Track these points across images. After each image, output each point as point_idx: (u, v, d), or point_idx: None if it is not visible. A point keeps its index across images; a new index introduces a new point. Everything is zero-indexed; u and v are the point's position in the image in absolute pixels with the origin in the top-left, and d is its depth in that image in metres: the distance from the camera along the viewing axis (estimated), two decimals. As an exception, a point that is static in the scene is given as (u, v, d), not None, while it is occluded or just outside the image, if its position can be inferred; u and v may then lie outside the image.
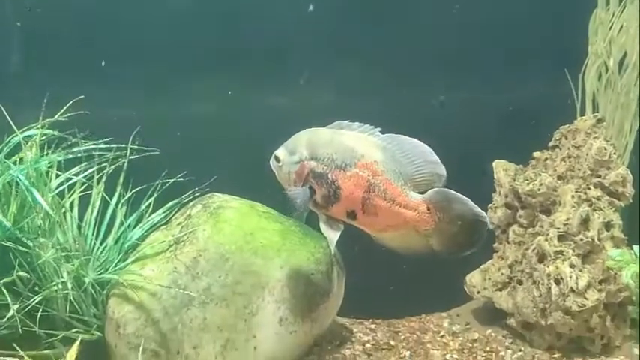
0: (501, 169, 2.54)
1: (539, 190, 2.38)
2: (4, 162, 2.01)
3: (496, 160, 2.58)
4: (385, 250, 2.10)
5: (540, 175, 2.41)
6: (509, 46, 2.68)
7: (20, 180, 1.96)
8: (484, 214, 1.93)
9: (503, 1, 2.69)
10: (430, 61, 2.70)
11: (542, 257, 2.31)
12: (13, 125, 2.09)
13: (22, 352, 1.81)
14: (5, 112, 2.09)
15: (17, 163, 2.04)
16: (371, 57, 2.67)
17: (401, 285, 2.73)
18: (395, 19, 2.70)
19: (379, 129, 2.05)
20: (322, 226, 2.15)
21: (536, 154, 2.56)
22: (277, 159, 2.14)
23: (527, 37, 2.67)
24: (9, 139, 2.11)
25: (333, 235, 2.12)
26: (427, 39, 2.66)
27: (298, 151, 2.09)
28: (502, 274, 2.50)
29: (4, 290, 2.02)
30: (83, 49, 2.55)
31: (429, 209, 1.95)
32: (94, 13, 2.59)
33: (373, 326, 2.69)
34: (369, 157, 2.00)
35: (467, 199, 1.94)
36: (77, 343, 1.79)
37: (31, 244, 1.98)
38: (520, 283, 2.40)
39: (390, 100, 2.66)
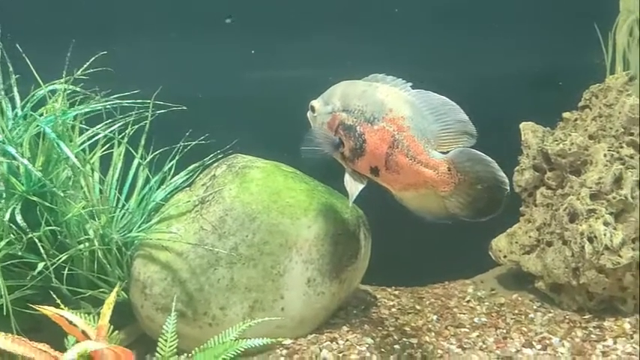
0: (529, 131, 2.50)
1: (569, 149, 2.35)
2: (31, 114, 1.96)
3: (523, 122, 2.55)
4: (406, 213, 2.07)
5: (570, 135, 2.38)
6: (535, 5, 2.64)
7: (48, 132, 1.90)
8: (506, 180, 1.85)
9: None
10: (454, 24, 2.67)
11: (573, 217, 2.28)
12: (38, 78, 2.04)
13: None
14: (31, 66, 2.04)
15: (43, 115, 1.98)
16: (398, 20, 2.63)
17: (422, 253, 2.68)
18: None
19: (410, 84, 2.01)
20: (346, 179, 2.13)
21: (565, 115, 2.53)
22: (313, 109, 2.12)
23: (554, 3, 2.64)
24: (33, 92, 2.05)
25: (354, 189, 2.10)
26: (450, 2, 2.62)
27: (332, 101, 2.07)
28: (530, 237, 2.47)
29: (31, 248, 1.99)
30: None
31: (449, 170, 1.89)
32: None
33: (397, 292, 2.66)
34: (396, 111, 1.96)
35: (492, 161, 1.86)
36: (110, 299, 1.74)
37: (61, 194, 1.92)
38: (550, 244, 2.37)
39: (417, 66, 2.62)
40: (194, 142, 2.39)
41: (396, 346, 2.19)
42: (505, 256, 2.54)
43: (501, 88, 2.67)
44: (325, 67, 2.55)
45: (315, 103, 2.15)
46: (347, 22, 2.62)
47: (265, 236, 2.20)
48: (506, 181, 1.84)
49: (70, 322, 1.66)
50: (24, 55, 2.05)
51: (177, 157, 2.38)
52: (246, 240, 2.19)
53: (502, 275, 2.69)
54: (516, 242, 2.51)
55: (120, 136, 2.30)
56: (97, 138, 2.23)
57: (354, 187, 2.09)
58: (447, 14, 2.66)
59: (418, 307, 2.49)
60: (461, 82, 2.65)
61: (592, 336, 2.20)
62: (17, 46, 2.05)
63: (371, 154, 2.00)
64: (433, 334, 2.28)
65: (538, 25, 2.69)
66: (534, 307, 2.44)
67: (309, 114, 2.18)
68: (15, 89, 2.08)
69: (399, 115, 1.94)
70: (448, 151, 1.90)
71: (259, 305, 2.19)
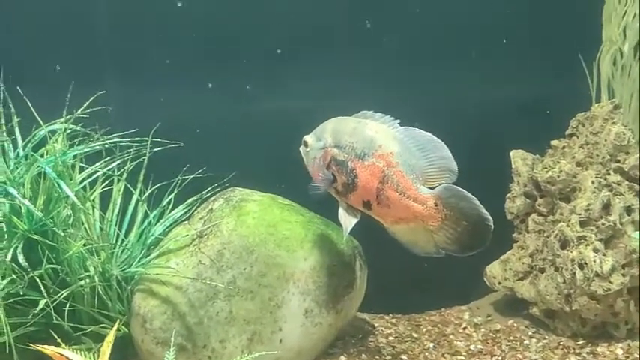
0: (519, 159, 2.56)
1: (558, 177, 2.40)
2: (32, 155, 2.02)
3: (513, 150, 2.61)
4: (397, 245, 2.13)
5: (559, 162, 2.44)
6: (521, 35, 2.72)
7: (48, 172, 1.96)
8: (489, 217, 1.94)
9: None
10: (444, 54, 2.74)
11: (564, 243, 2.33)
12: (39, 119, 2.10)
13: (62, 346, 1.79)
14: (32, 107, 2.11)
15: (44, 155, 2.04)
16: (389, 51, 2.70)
17: (418, 280, 2.73)
18: (413, 15, 2.74)
19: (398, 121, 2.09)
20: (340, 214, 2.20)
21: (553, 143, 2.59)
22: (305, 144, 2.20)
23: (540, 26, 2.72)
24: (34, 132, 2.11)
25: (348, 223, 2.17)
26: (441, 33, 2.70)
27: (324, 137, 2.14)
28: (523, 263, 2.52)
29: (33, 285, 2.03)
30: (104, 45, 2.57)
31: (436, 205, 1.98)
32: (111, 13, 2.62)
33: (394, 320, 2.69)
34: (386, 148, 2.04)
35: (475, 199, 1.96)
36: (110, 337, 1.78)
37: (61, 234, 1.98)
38: (542, 271, 2.41)
39: (408, 94, 2.68)
40: (192, 177, 2.45)
41: (394, 375, 2.23)
42: (499, 283, 2.58)
43: (491, 116, 2.75)
44: (318, 101, 2.63)
45: (308, 138, 2.22)
46: (338, 57, 2.69)
47: (263, 268, 2.24)
48: (489, 218, 1.94)
49: (71, 360, 1.69)
50: (24, 97, 2.12)
51: (175, 192, 2.43)
52: (244, 273, 2.23)
53: (498, 301, 2.73)
54: (510, 268, 2.55)
55: (119, 173, 2.35)
56: (96, 175, 2.28)
57: (348, 220, 2.16)
58: (437, 44, 2.74)
59: (415, 335, 2.53)
60: (452, 111, 2.75)
61: (586, 362, 2.23)
62: (18, 88, 2.12)
63: (363, 189, 2.06)
64: (430, 362, 2.32)
65: (526, 55, 2.77)
66: (529, 332, 2.47)
67: (301, 149, 2.25)
68: (17, 130, 2.14)
69: (388, 152, 2.02)
70: (434, 187, 1.98)
71: (258, 337, 2.22)
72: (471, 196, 1.95)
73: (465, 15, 2.70)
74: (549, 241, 2.37)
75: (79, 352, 1.75)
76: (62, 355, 1.67)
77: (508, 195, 2.61)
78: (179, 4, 2.61)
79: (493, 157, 2.68)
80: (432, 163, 1.99)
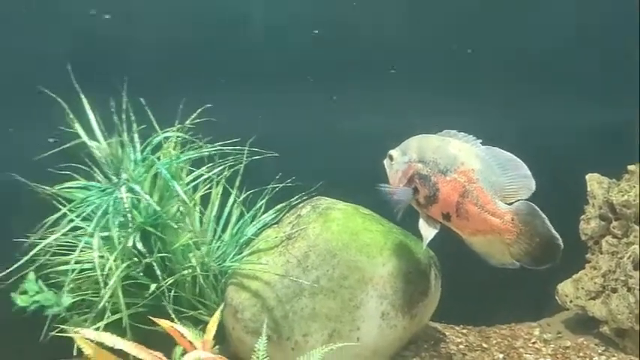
0: (595, 182, 2.65)
1: (634, 201, 2.48)
2: (151, 157, 2.31)
3: (589, 174, 2.70)
4: (472, 259, 2.27)
5: (635, 186, 2.51)
6: (603, 66, 2.82)
7: (164, 173, 2.25)
8: (558, 237, 2.08)
9: (607, 28, 2.86)
10: (530, 80, 2.88)
11: (637, 265, 2.39)
12: (156, 126, 2.40)
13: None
14: (151, 115, 2.42)
15: (160, 158, 2.33)
16: (469, 76, 2.87)
17: (490, 295, 2.84)
18: (489, 41, 2.89)
19: (480, 140, 2.25)
20: (420, 224, 2.36)
21: (630, 167, 2.66)
22: (391, 157, 2.38)
23: (616, 53, 2.81)
24: (151, 138, 2.41)
25: (428, 233, 2.33)
26: (524, 59, 2.84)
27: (409, 153, 2.32)
28: (595, 283, 2.59)
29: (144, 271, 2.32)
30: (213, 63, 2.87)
31: (513, 219, 2.12)
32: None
33: (464, 331, 2.81)
34: (467, 165, 2.19)
35: (547, 220, 2.09)
36: (216, 316, 2.01)
37: (174, 226, 2.25)
38: (614, 291, 2.48)
39: (489, 117, 2.83)
40: (282, 185, 2.69)
41: (463, 380, 2.35)
42: (571, 301, 2.65)
43: (570, 140, 2.86)
44: (402, 118, 2.82)
45: (394, 152, 2.40)
46: (428, 79, 2.88)
47: (344, 271, 2.42)
48: (559, 238, 2.07)
49: (182, 335, 1.94)
50: (146, 107, 2.43)
51: (267, 197, 2.67)
52: (327, 274, 2.42)
53: (568, 319, 2.79)
54: (582, 288, 2.63)
55: (218, 178, 2.62)
56: (200, 179, 2.55)
57: (427, 231, 2.32)
58: (518, 67, 2.88)
59: (485, 346, 2.64)
60: (532, 134, 2.87)
61: (654, 380, 2.28)
62: (141, 99, 2.44)
63: (443, 202, 2.23)
64: (499, 371, 2.43)
65: (606, 80, 2.87)
66: (599, 350, 2.54)
67: (386, 162, 2.43)
68: (136, 137, 2.45)
69: (470, 168, 2.18)
70: (512, 203, 2.12)
71: (337, 334, 2.39)
72: (544, 216, 2.09)
73: (546, 41, 2.83)
74: (622, 263, 2.44)
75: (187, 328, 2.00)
76: (175, 329, 1.92)
77: (582, 217, 2.69)
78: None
79: (570, 180, 2.78)
80: (511, 180, 2.13)
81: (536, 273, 2.28)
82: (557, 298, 2.72)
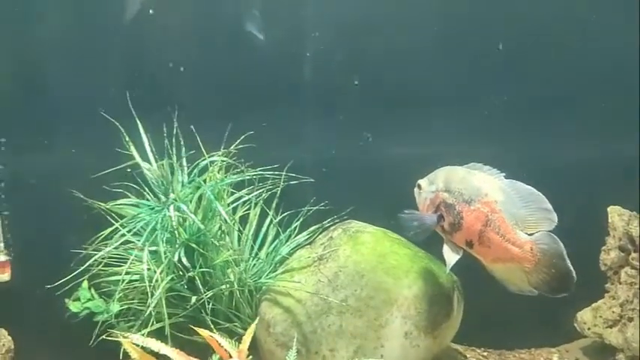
0: (616, 214, 2.76)
1: (652, 234, 2.59)
2: (198, 180, 2.53)
3: (611, 206, 2.81)
4: (494, 284, 2.40)
5: (654, 220, 2.62)
6: (626, 103, 2.95)
7: (209, 195, 2.46)
8: (572, 270, 2.21)
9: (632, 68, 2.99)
10: (552, 114, 3.03)
11: (653, 296, 2.50)
12: (203, 150, 2.63)
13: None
14: (199, 140, 2.65)
15: (206, 181, 2.55)
16: (498, 110, 3.03)
17: (511, 320, 2.96)
18: (515, 70, 3.05)
19: (504, 174, 2.40)
20: (445, 249, 2.50)
21: (650, 202, 2.77)
22: (419, 186, 2.55)
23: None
24: (197, 162, 2.64)
25: (452, 259, 2.47)
26: (549, 93, 3.00)
27: (436, 182, 2.48)
28: (613, 312, 2.68)
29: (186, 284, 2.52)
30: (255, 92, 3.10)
31: (532, 249, 2.25)
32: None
33: (485, 354, 2.93)
34: (491, 196, 2.34)
35: (564, 252, 2.22)
36: (251, 328, 2.19)
37: (216, 244, 2.46)
38: (631, 320, 2.58)
39: (516, 150, 2.98)
40: (315, 208, 2.87)
41: (481, 400, 2.47)
42: (589, 329, 2.75)
43: (596, 175, 2.98)
44: (430, 149, 2.99)
45: (422, 182, 2.56)
46: (455, 115, 3.05)
47: (371, 292, 2.57)
48: (572, 270, 2.20)
49: (219, 344, 2.12)
50: (195, 133, 2.66)
51: (301, 219, 2.85)
52: (355, 294, 2.57)
53: (586, 347, 2.88)
54: (600, 316, 2.73)
55: (257, 200, 2.82)
56: (240, 201, 2.75)
57: (451, 256, 2.47)
58: (540, 102, 3.03)
59: (504, 368, 2.76)
60: (556, 167, 3.01)
61: (667, 408, 2.36)
62: (192, 127, 2.67)
63: (467, 230, 2.37)
64: (517, 393, 2.54)
65: (629, 116, 2.99)
66: (614, 378, 2.63)
67: (415, 190, 2.59)
68: (184, 160, 2.67)
69: (493, 200, 2.32)
70: (532, 234, 2.26)
71: (362, 351, 2.53)
72: (561, 249, 2.23)
73: (567, 76, 2.99)
74: (639, 293, 2.54)
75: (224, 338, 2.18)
76: (213, 338, 2.11)
77: (603, 247, 2.80)
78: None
79: (592, 212, 2.89)
80: (532, 213, 2.27)
81: (557, 300, 2.40)
82: (576, 325, 2.81)
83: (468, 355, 2.86)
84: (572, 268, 2.20)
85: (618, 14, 3.00)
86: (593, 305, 2.78)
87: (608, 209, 2.79)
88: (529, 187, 2.30)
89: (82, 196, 2.64)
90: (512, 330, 2.99)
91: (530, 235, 2.28)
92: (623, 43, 2.98)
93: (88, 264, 2.45)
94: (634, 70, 2.96)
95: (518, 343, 3.01)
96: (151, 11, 2.91)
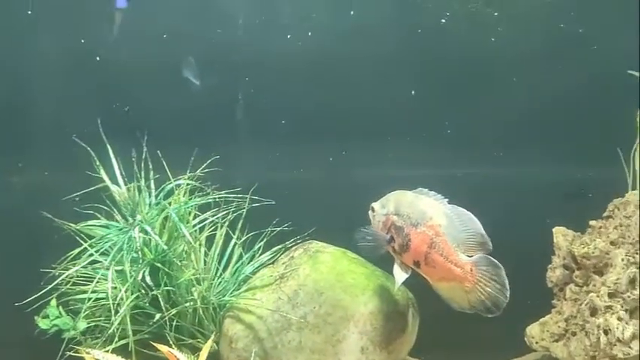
0: (560, 235, 2.91)
1: (593, 253, 2.73)
2: (163, 202, 2.66)
3: (556, 227, 2.96)
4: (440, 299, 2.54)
5: (595, 240, 2.76)
6: (571, 132, 3.14)
7: (173, 216, 2.59)
8: (507, 289, 2.36)
9: (571, 96, 3.17)
10: (508, 140, 3.21)
11: (594, 311, 2.63)
12: (169, 174, 2.77)
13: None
14: (165, 165, 2.79)
15: (171, 203, 2.68)
16: (433, 134, 3.21)
17: (466, 335, 3.07)
18: (462, 98, 3.23)
19: (447, 199, 2.55)
20: (395, 268, 2.64)
21: (592, 223, 2.91)
22: (373, 209, 2.69)
23: (589, 123, 3.13)
24: (164, 185, 2.77)
25: (401, 277, 2.61)
26: (496, 119, 3.17)
27: (387, 206, 2.63)
28: (559, 327, 2.82)
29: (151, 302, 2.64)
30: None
31: (472, 270, 2.40)
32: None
33: (440, 367, 3.06)
34: (435, 220, 2.49)
35: (502, 272, 2.37)
36: (208, 343, 2.31)
37: (178, 263, 2.58)
38: (574, 334, 2.71)
39: (464, 172, 3.16)
40: (279, 229, 2.99)
41: (432, 411, 2.59)
42: (537, 342, 2.88)
43: (541, 197, 3.15)
44: (388, 172, 3.15)
45: (375, 205, 2.71)
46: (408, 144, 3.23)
47: (329, 309, 2.68)
48: (508, 289, 2.34)
49: (177, 358, 2.23)
50: (162, 158, 2.80)
51: (264, 240, 2.98)
52: (314, 311, 2.69)
53: (536, 360, 3.03)
54: (547, 331, 2.86)
55: (222, 221, 2.95)
56: (206, 222, 2.88)
57: (400, 275, 2.61)
58: (496, 131, 3.21)
59: (457, 382, 2.88)
60: (509, 188, 3.18)
61: (604, 417, 2.49)
62: (158, 152, 2.81)
63: (414, 251, 2.52)
64: (466, 404, 2.66)
65: (578, 145, 3.17)
66: (560, 389, 2.76)
67: (369, 213, 2.74)
68: (152, 183, 2.80)
69: (437, 223, 2.47)
70: (471, 256, 2.42)
71: (320, 366, 2.68)
72: (498, 271, 2.38)
73: (514, 103, 3.16)
74: (581, 309, 2.68)
75: (183, 354, 2.30)
76: (172, 353, 2.22)
77: (549, 266, 2.95)
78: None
79: (542, 233, 3.05)
80: (470, 236, 2.43)
81: (509, 315, 2.55)
82: (525, 339, 2.95)
83: (423, 369, 2.99)
84: (507, 287, 2.35)
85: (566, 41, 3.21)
86: (541, 320, 2.92)
87: (554, 230, 2.94)
88: (468, 212, 2.46)
89: (51, 217, 2.76)
90: (467, 344, 3.12)
91: (469, 257, 2.44)
92: (569, 65, 3.18)
93: (56, 282, 2.57)
94: (584, 92, 3.16)
95: (472, 357, 3.14)
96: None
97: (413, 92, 3.18)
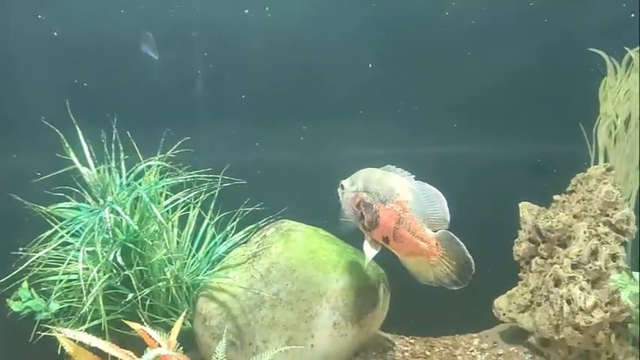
0: (526, 209, 2.99)
1: (557, 226, 2.81)
2: (133, 183, 2.67)
3: (522, 202, 3.04)
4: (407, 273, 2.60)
5: (558, 214, 2.85)
6: (536, 107, 3.19)
7: (144, 197, 2.60)
8: (472, 262, 2.42)
9: (533, 72, 3.23)
10: (473, 117, 3.25)
11: (557, 282, 2.72)
12: (140, 156, 2.77)
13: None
14: (135, 145, 2.79)
15: (141, 184, 2.69)
16: (407, 112, 3.25)
17: (438, 309, 3.13)
18: (425, 74, 3.26)
19: (414, 176, 2.60)
20: (365, 245, 2.70)
21: (555, 197, 3.00)
22: (342, 187, 2.74)
23: (551, 100, 3.19)
24: (135, 167, 2.78)
25: (370, 253, 2.67)
26: (464, 97, 3.22)
27: (357, 183, 2.67)
28: (525, 298, 2.91)
29: (124, 282, 2.66)
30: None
31: (437, 244, 2.46)
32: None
33: (412, 341, 3.12)
34: (402, 196, 2.55)
35: (463, 245, 2.44)
36: (179, 320, 2.35)
37: (150, 243, 2.60)
38: (539, 305, 2.80)
39: (431, 150, 3.21)
40: (251, 209, 3.02)
41: (403, 382, 2.67)
42: (504, 314, 2.97)
43: (508, 173, 3.21)
44: (353, 152, 3.19)
45: (345, 182, 2.75)
46: (371, 122, 3.27)
47: (302, 286, 2.73)
48: (472, 262, 2.39)
49: (150, 337, 2.26)
50: (132, 139, 2.80)
51: (237, 220, 3.00)
52: (287, 288, 2.73)
53: (505, 331, 3.10)
54: (514, 302, 2.95)
55: (195, 202, 2.96)
56: (177, 202, 2.90)
57: (370, 251, 2.66)
58: (461, 109, 3.26)
59: (428, 354, 2.95)
60: (476, 165, 3.24)
61: (566, 383, 2.60)
62: (128, 133, 2.81)
63: (383, 227, 2.57)
64: (436, 375, 2.75)
65: (540, 122, 3.23)
66: (526, 358, 2.85)
67: (339, 190, 2.78)
68: (122, 164, 2.81)
69: (404, 199, 2.52)
70: (436, 231, 2.48)
71: (293, 341, 2.68)
72: (461, 242, 2.45)
73: (484, 82, 3.21)
74: (546, 280, 2.77)
75: (155, 331, 2.33)
76: (144, 331, 2.25)
77: (516, 240, 3.03)
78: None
79: (509, 208, 3.13)
80: (434, 212, 2.48)
81: (479, 289, 2.62)
82: (494, 311, 3.03)
83: (395, 343, 3.06)
84: (471, 260, 2.41)
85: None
86: (508, 292, 3.01)
87: (520, 205, 3.02)
88: (433, 188, 2.52)
89: (22, 200, 2.75)
90: (440, 319, 3.18)
91: (434, 232, 2.50)
92: (531, 45, 3.23)
93: (27, 264, 2.57)
94: (548, 69, 3.21)
95: (445, 331, 3.22)
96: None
97: (370, 65, 3.20)
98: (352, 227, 2.74)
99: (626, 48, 3.00)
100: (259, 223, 3.02)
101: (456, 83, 3.21)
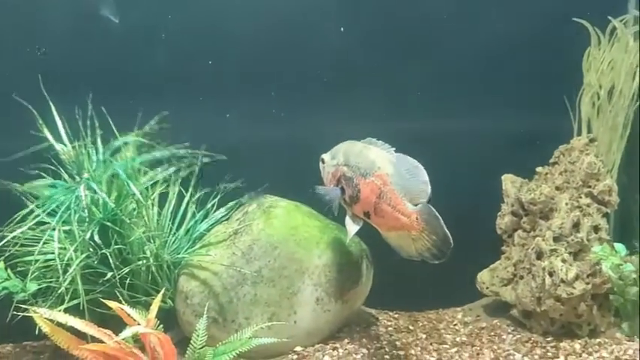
0: (509, 182, 2.97)
1: (539, 198, 2.80)
2: (109, 159, 2.61)
3: (505, 174, 3.02)
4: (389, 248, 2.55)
5: (541, 186, 2.83)
6: (519, 78, 3.16)
7: (120, 173, 2.54)
8: (450, 238, 2.32)
9: (515, 43, 3.19)
10: (455, 89, 3.22)
11: (539, 255, 2.71)
12: (116, 132, 2.71)
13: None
14: (111, 121, 2.72)
15: (118, 160, 2.63)
16: (393, 86, 3.19)
17: (422, 284, 3.12)
18: (412, 51, 3.21)
19: (394, 148, 2.54)
20: (346, 220, 2.66)
21: (538, 169, 2.99)
22: (323, 161, 2.70)
23: (535, 73, 3.15)
24: (111, 143, 2.71)
25: (352, 229, 2.63)
26: (447, 71, 3.18)
27: (337, 156, 2.63)
28: (508, 271, 2.91)
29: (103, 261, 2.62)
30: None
31: (417, 219, 2.39)
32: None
33: (396, 316, 3.13)
34: (383, 169, 2.48)
35: (442, 221, 2.34)
36: (158, 298, 2.31)
37: (127, 221, 2.55)
38: (522, 278, 2.80)
39: (414, 123, 3.17)
40: (232, 185, 2.98)
41: (386, 357, 2.66)
42: (487, 288, 2.97)
43: (491, 145, 3.18)
44: (338, 126, 3.14)
45: (325, 156, 2.71)
46: (353, 94, 3.22)
47: (284, 262, 2.71)
48: (450, 237, 2.32)
49: (129, 315, 2.23)
50: (107, 115, 2.74)
51: (218, 197, 2.96)
52: (269, 265, 2.71)
53: (488, 304, 3.12)
54: (497, 276, 2.95)
55: (174, 179, 2.91)
56: (157, 179, 2.84)
57: (352, 226, 2.62)
58: (442, 84, 3.21)
59: (411, 328, 2.96)
60: (458, 138, 3.20)
61: (548, 354, 2.60)
62: (103, 108, 2.74)
63: (364, 201, 2.52)
64: (419, 348, 2.74)
65: (524, 95, 3.20)
66: (509, 330, 2.86)
67: (320, 164, 2.74)
68: (99, 140, 2.74)
69: (385, 172, 2.47)
70: (416, 204, 2.41)
71: (276, 318, 2.67)
72: (439, 217, 2.35)
73: (466, 50, 3.17)
74: (528, 253, 2.77)
75: (134, 310, 2.29)
76: (123, 309, 2.21)
77: (499, 213, 3.02)
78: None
79: (492, 181, 3.11)
80: (415, 185, 2.41)
81: (462, 263, 2.61)
82: (477, 285, 3.04)
83: (379, 318, 3.06)
84: (449, 235, 2.35)
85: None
86: (491, 266, 3.01)
87: (503, 177, 3.00)
88: (414, 160, 2.44)
89: (-4, 179, 2.69)
90: (424, 293, 3.19)
91: (415, 205, 2.43)
92: (513, 16, 3.18)
93: (2, 244, 2.51)
94: (535, 43, 3.17)
95: (428, 305, 3.22)
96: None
97: (342, 29, 3.14)
98: (333, 202, 2.70)
99: (609, 17, 2.97)
100: (240, 199, 2.97)
101: (438, 55, 3.16)
